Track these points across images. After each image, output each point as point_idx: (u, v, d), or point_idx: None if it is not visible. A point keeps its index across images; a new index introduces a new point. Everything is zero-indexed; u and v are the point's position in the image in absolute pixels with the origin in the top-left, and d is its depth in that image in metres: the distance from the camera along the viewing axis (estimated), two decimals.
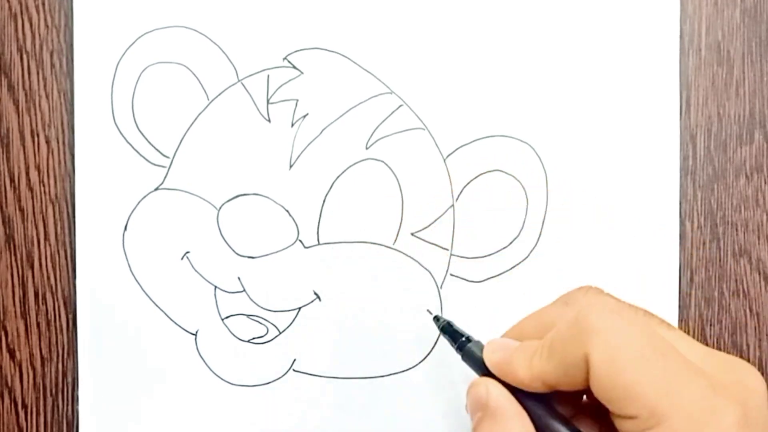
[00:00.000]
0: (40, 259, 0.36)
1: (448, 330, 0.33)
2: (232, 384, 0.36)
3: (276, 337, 0.36)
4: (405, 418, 0.36)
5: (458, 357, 0.31)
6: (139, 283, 0.35)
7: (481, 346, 0.31)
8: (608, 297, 0.30)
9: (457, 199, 0.36)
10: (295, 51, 0.36)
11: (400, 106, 0.36)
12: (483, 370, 0.30)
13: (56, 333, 0.36)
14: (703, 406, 0.26)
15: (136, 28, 0.36)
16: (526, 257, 0.36)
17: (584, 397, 0.30)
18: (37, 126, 0.36)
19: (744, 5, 0.37)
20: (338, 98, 0.36)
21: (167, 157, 0.36)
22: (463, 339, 0.32)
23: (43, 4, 0.36)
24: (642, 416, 0.26)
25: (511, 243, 0.36)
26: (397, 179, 0.36)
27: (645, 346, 0.26)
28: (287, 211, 0.36)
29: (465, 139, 0.36)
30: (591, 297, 0.30)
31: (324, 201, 0.36)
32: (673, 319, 0.36)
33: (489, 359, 0.31)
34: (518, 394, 0.30)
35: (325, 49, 0.36)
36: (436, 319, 0.33)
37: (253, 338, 0.36)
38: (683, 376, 0.26)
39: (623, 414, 0.27)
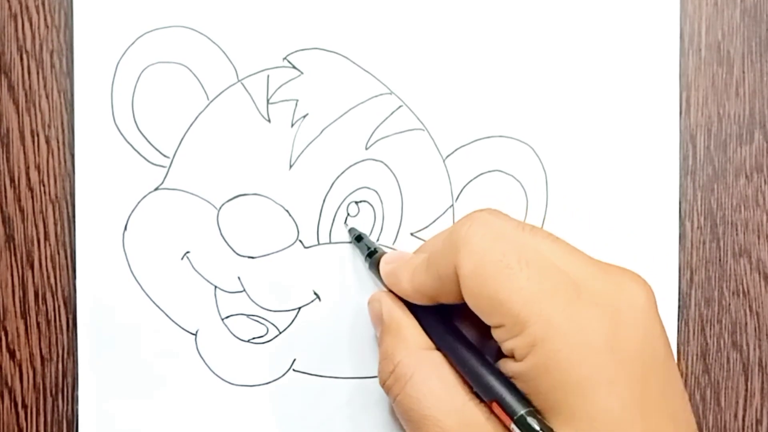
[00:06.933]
0: (40, 259, 0.36)
1: (360, 241, 0.35)
2: (232, 384, 0.36)
3: (276, 337, 0.36)
4: None
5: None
6: (139, 283, 0.35)
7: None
8: (493, 214, 0.29)
9: (456, 200, 0.36)
10: (295, 51, 0.36)
11: (400, 106, 0.36)
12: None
13: (56, 333, 0.36)
14: (565, 314, 0.25)
15: (136, 28, 0.35)
16: None
17: None
18: (37, 126, 0.36)
19: (744, 5, 0.37)
20: (338, 98, 0.36)
21: (167, 157, 0.36)
22: (371, 250, 0.34)
23: (43, 4, 0.36)
24: (507, 324, 0.26)
25: None
26: (397, 179, 0.36)
27: (509, 257, 0.26)
28: (287, 211, 0.36)
29: (464, 139, 0.36)
30: (476, 213, 0.29)
31: (324, 201, 0.36)
32: (673, 319, 0.36)
33: (382, 269, 0.32)
34: (415, 306, 0.31)
35: (325, 50, 0.36)
36: (351, 230, 0.35)
37: (253, 338, 0.36)
38: (547, 285, 0.26)
39: (492, 323, 0.27)
